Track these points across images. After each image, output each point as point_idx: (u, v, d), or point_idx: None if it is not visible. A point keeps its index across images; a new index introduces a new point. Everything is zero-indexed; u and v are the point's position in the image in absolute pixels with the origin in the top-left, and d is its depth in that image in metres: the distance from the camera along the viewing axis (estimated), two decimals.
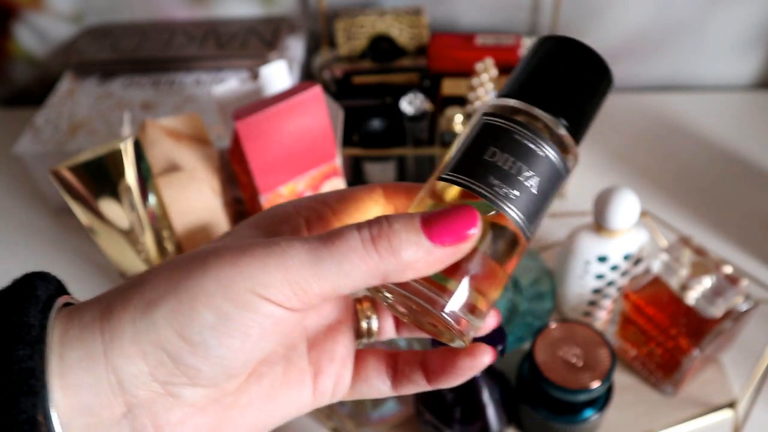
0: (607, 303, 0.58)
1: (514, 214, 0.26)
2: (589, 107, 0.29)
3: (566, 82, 0.28)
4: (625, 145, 0.79)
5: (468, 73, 0.71)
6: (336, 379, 0.29)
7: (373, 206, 0.29)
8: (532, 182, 0.26)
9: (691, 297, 0.51)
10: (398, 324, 0.31)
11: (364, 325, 0.30)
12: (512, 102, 0.28)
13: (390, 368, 0.29)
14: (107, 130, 0.74)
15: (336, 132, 0.61)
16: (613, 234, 0.53)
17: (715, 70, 0.86)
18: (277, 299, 0.23)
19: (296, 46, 0.82)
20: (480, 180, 0.26)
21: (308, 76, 0.84)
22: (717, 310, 0.50)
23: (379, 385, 0.29)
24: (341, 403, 0.55)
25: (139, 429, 0.23)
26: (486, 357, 0.28)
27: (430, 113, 0.69)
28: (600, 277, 0.56)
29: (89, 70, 0.82)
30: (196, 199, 0.60)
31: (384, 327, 0.31)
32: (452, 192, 0.26)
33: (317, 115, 0.58)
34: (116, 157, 0.51)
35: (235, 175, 0.64)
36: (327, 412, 0.55)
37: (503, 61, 0.73)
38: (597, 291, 0.57)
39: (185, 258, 0.24)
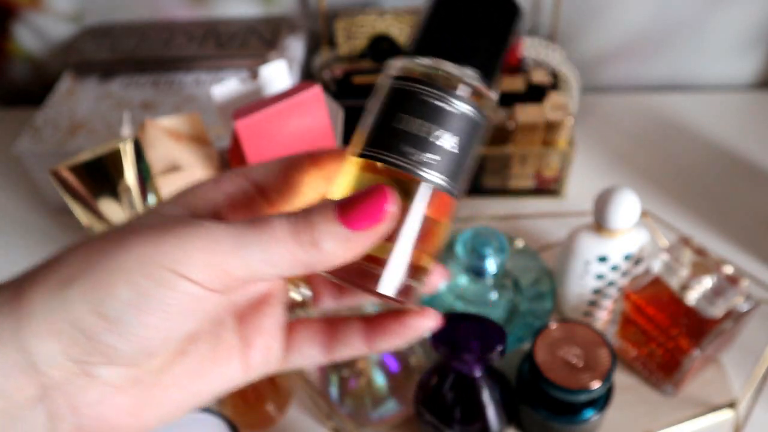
0: (608, 303, 0.58)
1: (434, 178, 0.26)
2: (495, 47, 0.28)
3: (465, 26, 0.27)
4: (625, 145, 0.79)
5: None
6: (266, 352, 0.28)
7: (301, 178, 0.28)
8: (448, 141, 0.26)
9: (692, 297, 0.51)
10: (341, 291, 0.30)
11: (295, 296, 0.29)
12: (415, 60, 0.27)
13: (325, 335, 0.29)
14: (107, 130, 0.74)
15: (336, 132, 0.61)
16: (613, 234, 0.53)
17: (715, 70, 0.86)
18: (197, 278, 0.23)
19: (296, 46, 0.82)
20: (394, 151, 0.25)
21: (308, 76, 0.84)
22: (717, 310, 0.50)
23: (312, 354, 0.29)
24: (341, 403, 0.55)
25: (54, 411, 0.23)
26: (432, 320, 0.28)
27: None
28: (600, 277, 0.56)
29: (89, 70, 0.82)
30: None
31: (321, 296, 0.30)
32: (367, 167, 0.26)
33: (317, 115, 0.58)
34: (116, 157, 0.51)
35: None
36: (327, 412, 0.55)
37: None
38: (597, 291, 0.57)
39: (103, 235, 0.24)
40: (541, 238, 0.68)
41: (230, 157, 0.62)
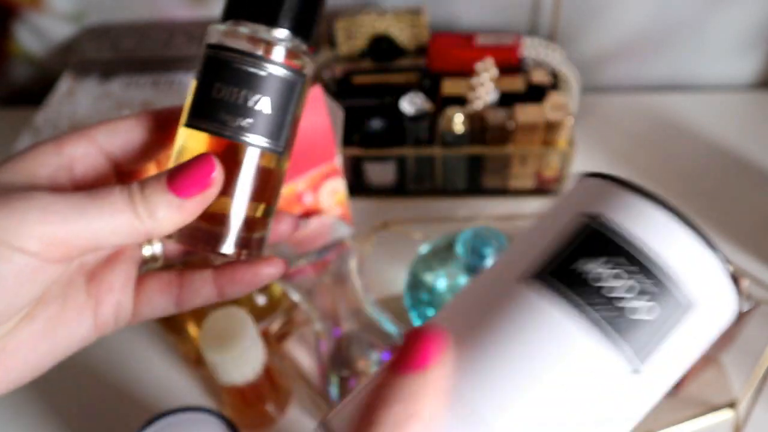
0: None
1: (255, 140, 0.27)
2: (306, 3, 0.28)
3: None
4: (625, 145, 0.79)
5: (468, 73, 0.71)
6: (116, 308, 0.29)
7: (141, 137, 0.29)
8: (265, 104, 0.27)
9: None
10: None
11: (146, 252, 0.30)
12: (226, 26, 0.28)
13: (175, 286, 0.30)
14: None
15: (336, 132, 0.61)
16: None
17: (715, 70, 0.86)
18: (34, 250, 0.23)
19: None
20: (214, 119, 0.27)
21: None
22: None
23: (162, 305, 0.30)
24: None
25: None
26: (276, 267, 0.29)
27: (430, 113, 0.69)
28: None
29: (89, 69, 0.82)
30: None
31: (172, 249, 0.31)
32: (195, 136, 0.27)
33: (317, 115, 0.58)
34: None
35: None
36: (327, 412, 0.55)
37: (503, 60, 0.73)
38: None
39: None
40: None
41: None
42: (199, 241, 0.27)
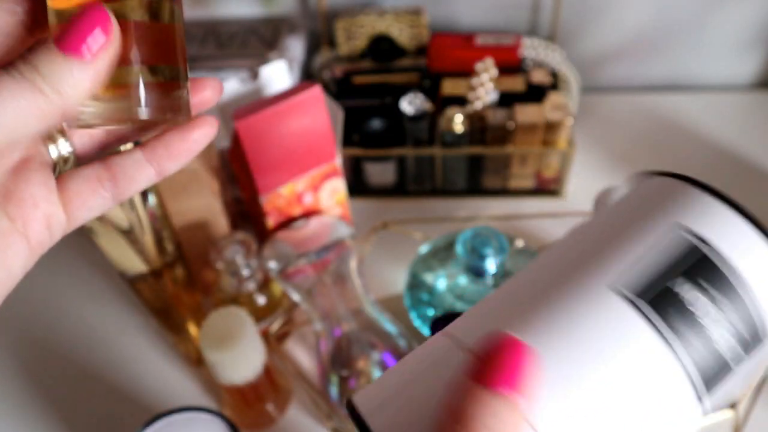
0: None
1: None
2: None
3: None
4: (625, 145, 0.79)
5: (468, 73, 0.71)
6: (47, 221, 0.26)
7: (9, 22, 0.25)
8: None
9: None
10: (104, 132, 0.29)
11: (53, 153, 0.27)
12: None
13: (107, 180, 0.27)
14: None
15: (336, 132, 0.61)
16: None
17: (715, 70, 0.86)
18: None
19: (296, 46, 0.82)
20: None
21: (308, 76, 0.84)
22: None
23: (99, 202, 0.27)
24: (341, 403, 0.55)
25: None
26: (210, 126, 0.27)
27: (430, 113, 0.69)
28: None
29: None
30: (196, 199, 0.60)
31: (84, 145, 0.28)
32: None
33: (317, 115, 0.58)
34: None
35: (235, 175, 0.64)
36: (327, 412, 0.55)
37: (503, 61, 0.73)
38: None
39: None
40: (541, 238, 0.68)
41: (230, 157, 0.62)
42: (112, 115, 0.25)
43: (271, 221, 0.62)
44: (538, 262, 0.26)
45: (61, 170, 0.27)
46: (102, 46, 0.23)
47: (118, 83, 0.25)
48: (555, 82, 0.73)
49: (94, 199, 0.27)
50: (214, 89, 0.28)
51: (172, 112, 0.26)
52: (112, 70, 0.24)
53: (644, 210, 0.25)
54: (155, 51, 0.25)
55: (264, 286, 0.60)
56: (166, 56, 0.26)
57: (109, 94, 0.25)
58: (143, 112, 0.25)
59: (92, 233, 0.54)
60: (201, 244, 0.62)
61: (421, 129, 0.69)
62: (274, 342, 0.59)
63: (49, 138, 0.27)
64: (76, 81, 0.23)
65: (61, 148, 0.27)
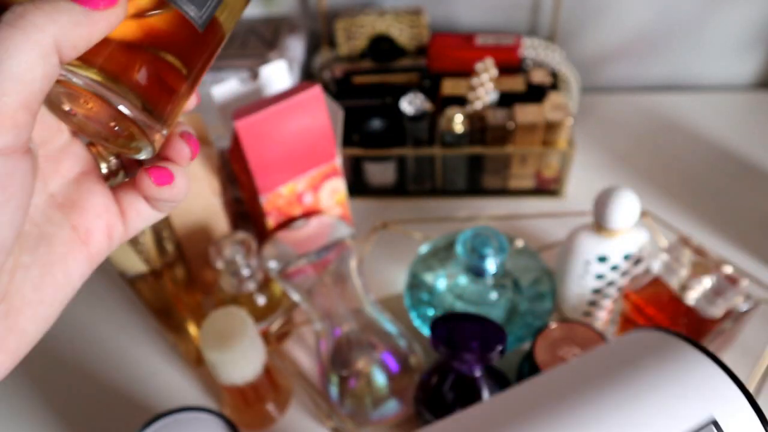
0: (608, 303, 0.58)
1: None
2: None
3: None
4: (625, 145, 0.79)
5: (468, 73, 0.71)
6: (108, 231, 0.28)
7: None
8: None
9: (691, 297, 0.51)
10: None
11: (104, 168, 0.29)
12: None
13: None
14: None
15: (336, 132, 0.61)
16: (613, 234, 0.53)
17: (714, 70, 0.86)
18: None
19: (296, 46, 0.82)
20: None
21: (308, 76, 0.84)
22: (717, 310, 0.50)
23: (152, 213, 0.29)
24: (341, 403, 0.55)
25: None
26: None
27: (430, 113, 0.69)
28: (600, 277, 0.56)
29: None
30: (196, 199, 0.60)
31: (129, 161, 0.30)
32: None
33: (317, 115, 0.58)
34: None
35: (235, 175, 0.64)
36: (327, 412, 0.55)
37: (503, 61, 0.73)
38: (597, 291, 0.57)
39: None
40: (541, 238, 0.68)
41: (230, 157, 0.62)
42: (96, 90, 0.25)
43: (271, 221, 0.62)
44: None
45: (113, 184, 0.29)
46: (112, 8, 0.23)
47: (118, 65, 0.25)
48: (555, 82, 0.73)
49: (147, 208, 0.29)
50: (183, 156, 0.28)
51: (152, 119, 0.26)
52: (110, 31, 0.24)
53: (679, 393, 0.28)
54: (171, 47, 0.26)
55: (264, 286, 0.60)
56: (183, 57, 0.26)
57: (103, 73, 0.25)
58: (125, 107, 0.25)
59: None
60: (201, 244, 0.62)
61: (421, 129, 0.69)
62: (274, 342, 0.59)
63: (101, 156, 0.29)
64: (77, 22, 0.23)
65: (111, 162, 0.29)
